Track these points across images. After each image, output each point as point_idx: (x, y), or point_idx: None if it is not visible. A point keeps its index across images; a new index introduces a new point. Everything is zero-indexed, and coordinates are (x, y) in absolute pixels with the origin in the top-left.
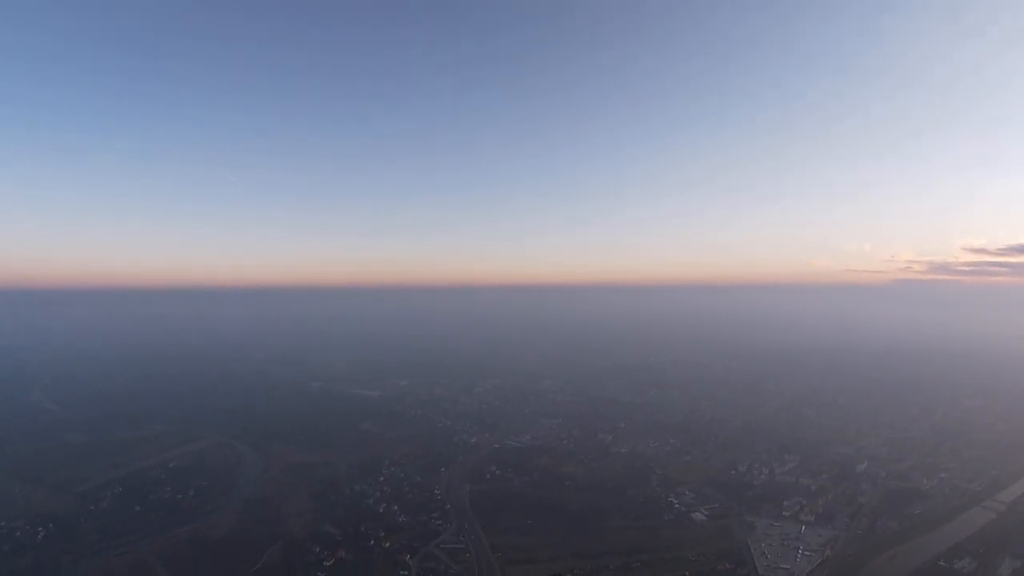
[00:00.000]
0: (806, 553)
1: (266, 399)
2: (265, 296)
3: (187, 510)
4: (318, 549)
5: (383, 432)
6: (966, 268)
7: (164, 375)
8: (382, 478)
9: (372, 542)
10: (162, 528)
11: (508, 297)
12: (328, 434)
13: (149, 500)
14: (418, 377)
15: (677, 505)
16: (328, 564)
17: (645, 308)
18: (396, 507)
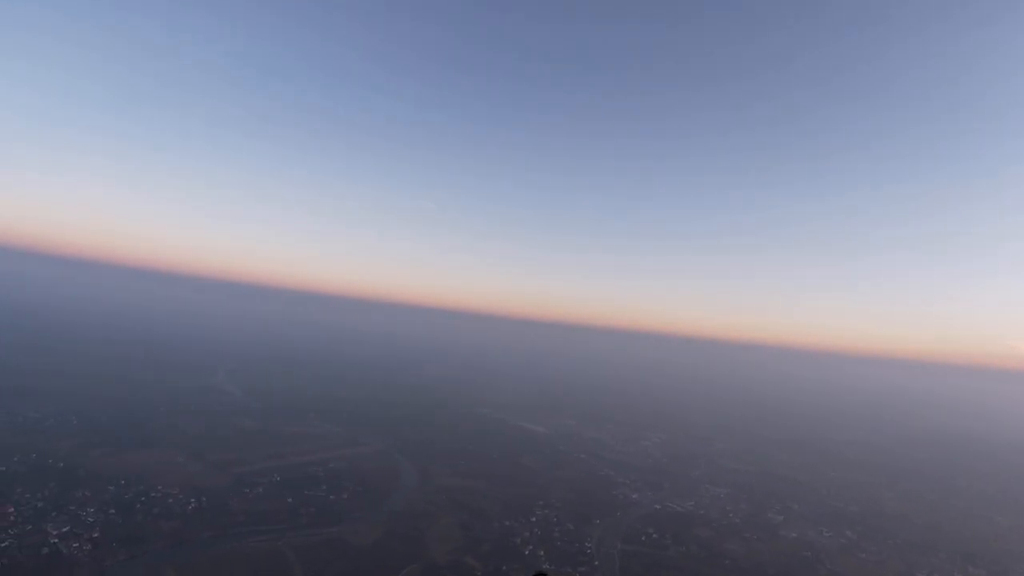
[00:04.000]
0: None
1: (432, 417)
2: (450, 318)
3: (336, 512)
4: None
5: (542, 471)
6: None
7: (341, 379)
8: (534, 519)
9: None
10: (308, 524)
11: (684, 348)
12: (487, 463)
13: (303, 495)
14: (586, 419)
15: None
16: None
17: (822, 377)
18: (543, 552)
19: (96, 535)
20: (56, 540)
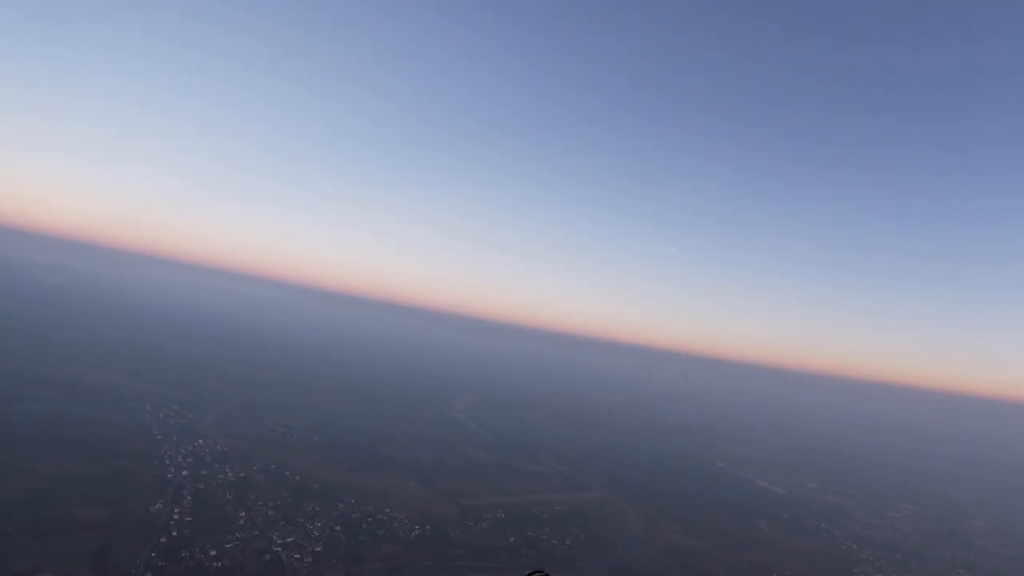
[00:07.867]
0: None
1: (666, 467)
2: (693, 363)
3: (557, 558)
4: None
5: (778, 537)
6: None
7: (575, 418)
8: None
9: None
10: (526, 567)
11: (938, 405)
12: (719, 523)
13: (525, 535)
14: (830, 482)
15: None
16: None
17: None
18: None
19: (319, 549)
20: (279, 548)
